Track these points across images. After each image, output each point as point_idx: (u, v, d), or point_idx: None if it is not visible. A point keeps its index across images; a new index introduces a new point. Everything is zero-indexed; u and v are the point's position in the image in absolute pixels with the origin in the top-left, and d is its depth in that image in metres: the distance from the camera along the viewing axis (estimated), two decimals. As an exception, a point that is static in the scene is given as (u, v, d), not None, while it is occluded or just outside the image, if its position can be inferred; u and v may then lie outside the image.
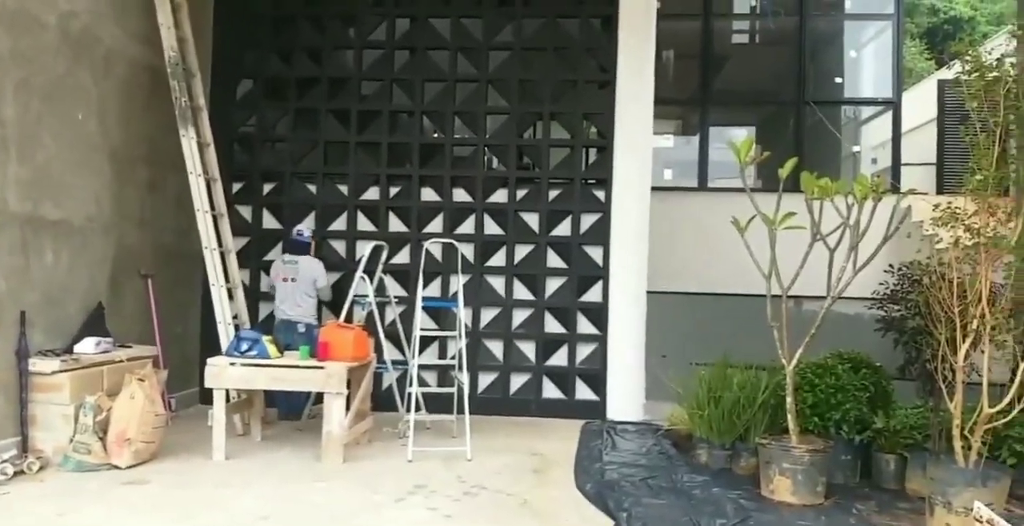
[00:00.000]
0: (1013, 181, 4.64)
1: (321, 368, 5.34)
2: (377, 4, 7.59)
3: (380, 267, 6.79)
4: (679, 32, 10.44)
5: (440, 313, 7.35)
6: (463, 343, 5.93)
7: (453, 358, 6.79)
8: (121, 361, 5.55)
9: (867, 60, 11.12)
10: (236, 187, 7.60)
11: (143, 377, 5.27)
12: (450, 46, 7.53)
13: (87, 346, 5.42)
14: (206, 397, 6.25)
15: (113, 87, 6.09)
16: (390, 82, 7.58)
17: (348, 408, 5.50)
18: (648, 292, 7.37)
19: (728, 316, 7.62)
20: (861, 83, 11.48)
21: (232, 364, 5.44)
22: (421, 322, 7.22)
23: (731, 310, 7.62)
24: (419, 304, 6.13)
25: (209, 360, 5.50)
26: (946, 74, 10.17)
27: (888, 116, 10.19)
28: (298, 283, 6.75)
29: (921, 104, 12.29)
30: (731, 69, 10.95)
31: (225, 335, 6.17)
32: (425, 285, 7.32)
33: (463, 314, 6.20)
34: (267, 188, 7.62)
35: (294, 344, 6.11)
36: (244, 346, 5.47)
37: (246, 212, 7.59)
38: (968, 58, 4.87)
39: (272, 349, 5.49)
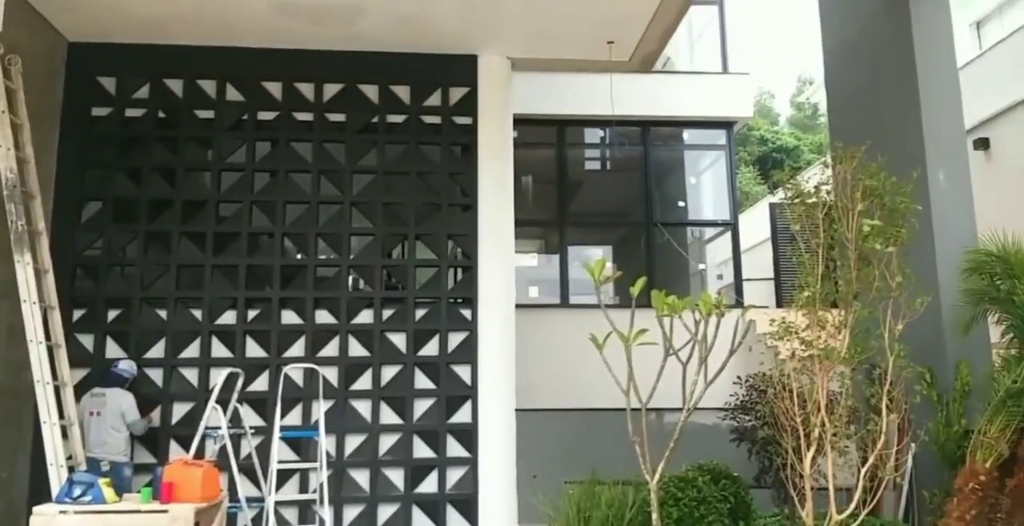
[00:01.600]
0: (839, 296, 5.08)
1: (165, 511, 4.87)
2: (235, 128, 7.60)
3: (235, 396, 6.42)
4: (538, 159, 11.09)
5: (301, 443, 6.98)
6: (324, 475, 5.62)
7: (315, 492, 6.41)
8: (-77, 517, 4.85)
9: (706, 185, 12.18)
10: (77, 314, 7.11)
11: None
12: (312, 169, 7.60)
13: None
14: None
15: (-61, 211, 5.67)
16: (249, 204, 7.50)
17: (195, 555, 5.00)
18: (517, 410, 7.36)
19: (597, 431, 7.68)
20: (702, 206, 12.50)
21: (63, 512, 4.87)
22: (281, 454, 6.87)
23: (599, 424, 7.70)
24: (276, 434, 5.82)
25: (35, 508, 4.90)
26: (775, 198, 11.27)
27: (728, 236, 11.06)
28: (104, 416, 6.40)
29: (757, 225, 13.48)
30: (586, 193, 11.66)
31: (57, 479, 5.56)
32: (285, 413, 7.01)
33: (324, 443, 5.92)
34: (112, 315, 7.16)
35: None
36: (76, 491, 4.94)
37: (87, 341, 7.07)
38: (789, 186, 5.46)
39: (109, 493, 4.97)
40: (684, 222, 12.02)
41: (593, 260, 14.25)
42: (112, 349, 7.10)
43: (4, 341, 6.22)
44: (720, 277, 13.09)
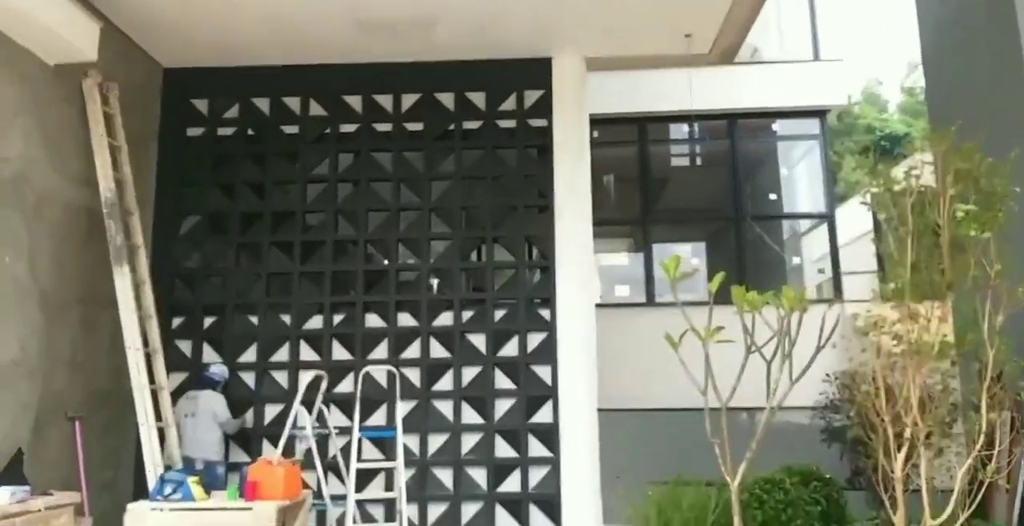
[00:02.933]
0: (927, 286, 4.72)
1: (249, 509, 5.07)
2: (319, 141, 7.86)
3: (319, 397, 6.62)
4: (620, 158, 10.94)
5: (387, 443, 7.12)
6: (402, 474, 5.70)
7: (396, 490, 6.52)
8: (38, 511, 5.21)
9: (800, 177, 11.66)
10: (176, 322, 7.52)
11: (60, 528, 4.95)
12: (392, 177, 7.76)
13: (1, 496, 5.11)
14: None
15: (46, 230, 6.10)
16: (334, 213, 7.73)
17: (281, 552, 5.18)
18: (600, 410, 7.25)
19: (682, 430, 7.44)
20: (797, 199, 11.98)
21: (155, 509, 5.15)
22: (368, 454, 7.04)
23: (685, 424, 7.47)
24: (355, 434, 5.95)
25: (129, 506, 5.21)
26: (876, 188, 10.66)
27: (825, 229, 10.56)
28: (197, 418, 6.66)
29: (861, 215, 12.79)
30: (673, 189, 11.40)
31: (154, 478, 5.88)
32: (370, 414, 7.19)
33: (402, 442, 6.03)
34: (208, 322, 7.54)
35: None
36: (167, 489, 5.21)
37: (185, 347, 7.46)
38: (876, 173, 5.13)
39: (198, 491, 5.22)
40: (777, 215, 11.55)
41: (670, 258, 13.96)
42: (208, 354, 7.46)
43: (107, 349, 6.65)
44: (821, 271, 12.50)
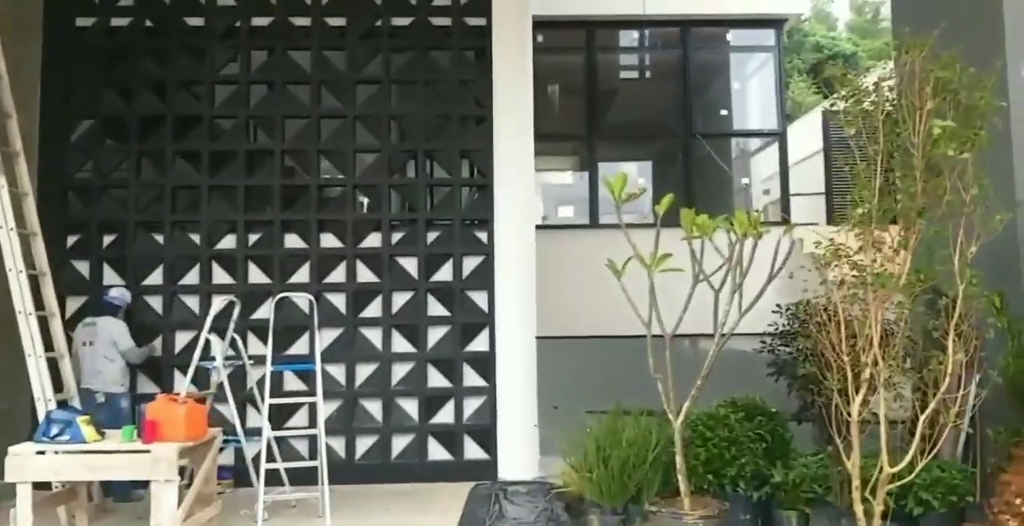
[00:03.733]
0: (899, 212, 4.33)
1: (147, 452, 4.54)
2: (227, 36, 6.94)
3: (232, 325, 6.04)
4: (565, 66, 10.21)
5: (311, 375, 6.61)
6: (322, 409, 5.25)
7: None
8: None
9: (752, 93, 11.15)
10: (71, 241, 6.74)
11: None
12: (312, 79, 6.95)
13: None
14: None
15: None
16: (246, 119, 6.93)
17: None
18: (538, 338, 6.86)
19: (623, 359, 7.15)
20: (748, 115, 11.50)
21: (40, 453, 4.58)
22: (290, 385, 6.57)
23: (628, 352, 7.15)
24: (268, 368, 5.44)
25: (11, 449, 4.62)
26: (829, 106, 10.26)
27: (775, 148, 10.15)
28: (96, 346, 6.04)
29: (808, 136, 12.43)
30: (621, 103, 10.77)
31: (44, 415, 5.27)
32: (292, 343, 6.67)
33: (322, 375, 5.55)
34: (108, 240, 6.78)
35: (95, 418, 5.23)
36: (54, 430, 4.63)
37: (83, 268, 6.72)
38: (845, 83, 4.63)
39: (89, 431, 4.65)
40: (727, 133, 11.05)
41: (614, 176, 13.50)
42: (109, 276, 6.75)
43: None
44: (767, 192, 12.20)
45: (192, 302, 6.74)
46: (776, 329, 5.07)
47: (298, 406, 6.50)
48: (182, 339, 6.65)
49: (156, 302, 6.74)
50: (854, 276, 4.19)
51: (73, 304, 6.67)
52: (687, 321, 4.82)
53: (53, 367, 5.73)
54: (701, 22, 9.64)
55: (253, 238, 6.83)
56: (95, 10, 6.91)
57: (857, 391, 3.87)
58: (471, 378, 6.79)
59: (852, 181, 4.43)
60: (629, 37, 10.31)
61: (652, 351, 4.69)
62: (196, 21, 6.97)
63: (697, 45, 9.93)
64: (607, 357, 7.31)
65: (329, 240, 6.86)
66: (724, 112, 10.84)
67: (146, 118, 6.86)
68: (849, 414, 3.90)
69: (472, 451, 6.75)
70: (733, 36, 10.04)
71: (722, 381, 5.08)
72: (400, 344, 6.80)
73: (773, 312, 5.13)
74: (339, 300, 6.78)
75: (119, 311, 6.26)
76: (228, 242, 6.81)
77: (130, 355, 6.12)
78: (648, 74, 11.56)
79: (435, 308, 6.85)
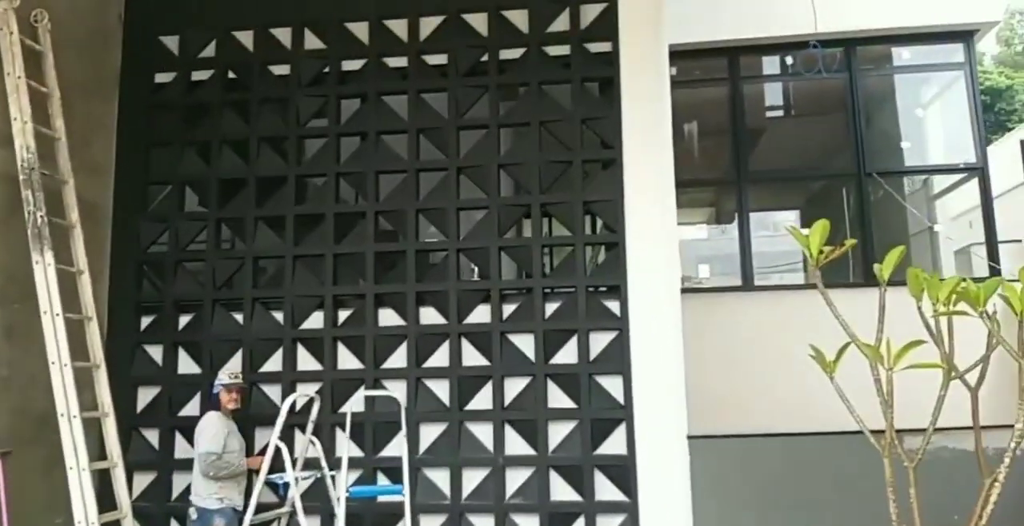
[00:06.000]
0: None
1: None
2: (315, 84, 6.08)
3: (311, 426, 4.93)
4: (703, 101, 8.86)
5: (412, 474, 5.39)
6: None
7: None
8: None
9: (933, 120, 9.32)
10: (145, 322, 5.94)
11: None
12: (409, 127, 5.94)
13: None
14: None
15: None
16: (335, 177, 5.98)
17: None
18: (690, 437, 5.36)
19: (812, 463, 5.52)
20: (929, 148, 9.65)
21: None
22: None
23: (814, 454, 5.56)
24: (340, 501, 4.26)
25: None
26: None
27: (971, 185, 8.28)
28: (197, 449, 5.00)
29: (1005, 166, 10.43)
30: (769, 142, 9.25)
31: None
32: (384, 442, 5.50)
33: (409, 504, 4.32)
34: (184, 321, 5.93)
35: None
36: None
37: (156, 353, 5.88)
38: None
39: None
40: (909, 170, 9.18)
41: (782, 226, 11.80)
42: (185, 362, 5.87)
43: (45, 361, 4.97)
44: (950, 239, 10.19)
45: (274, 392, 5.72)
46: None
47: (391, 520, 5.27)
48: (261, 438, 5.60)
49: (234, 392, 5.77)
50: None
51: (146, 395, 5.83)
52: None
53: (104, 479, 4.82)
54: (870, 39, 8.05)
55: (343, 315, 5.79)
56: (175, 64, 6.25)
57: None
58: (605, 490, 5.34)
59: None
60: (776, 63, 8.84)
61: (889, 458, 3.18)
62: (281, 69, 6.18)
63: (866, 67, 8.31)
64: (782, 462, 5.68)
65: (429, 315, 5.71)
66: (907, 144, 9.04)
67: (226, 181, 6.06)
68: None
69: (609, 585, 5.27)
70: (910, 53, 8.37)
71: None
72: (515, 443, 5.48)
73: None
74: (441, 388, 5.58)
75: (218, 401, 5.19)
76: (315, 320, 5.79)
77: (202, 462, 4.97)
78: (802, 104, 10.00)
79: (557, 398, 5.50)
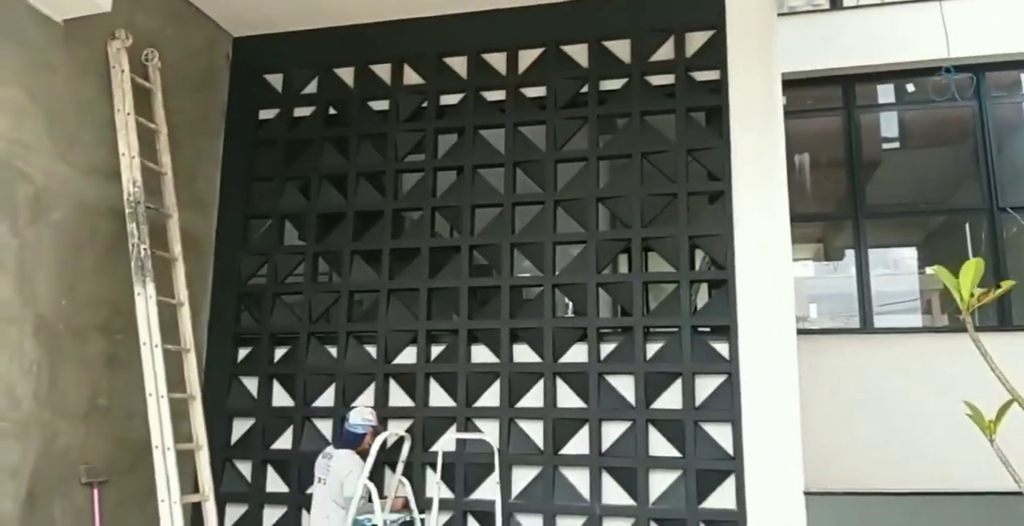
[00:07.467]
0: None
1: None
2: (413, 119, 6.06)
3: (400, 467, 4.76)
4: (814, 132, 8.41)
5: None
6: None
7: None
8: None
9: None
10: (242, 354, 5.97)
11: None
12: (506, 161, 5.81)
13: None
14: None
15: (47, 237, 4.64)
16: (431, 211, 5.90)
17: None
18: (807, 493, 4.88)
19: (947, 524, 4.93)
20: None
21: None
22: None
23: (951, 514, 4.97)
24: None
25: None
26: None
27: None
28: (328, 486, 4.86)
29: None
30: (884, 173, 8.67)
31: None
32: (475, 484, 5.27)
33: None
34: (279, 354, 5.92)
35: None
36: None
37: (252, 385, 5.88)
38: None
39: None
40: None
41: (899, 263, 11.02)
42: (279, 395, 5.84)
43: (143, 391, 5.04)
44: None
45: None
46: None
47: (484, 572, 5.01)
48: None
49: (326, 427, 5.68)
50: None
51: (240, 427, 5.82)
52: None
53: (197, 511, 4.78)
54: (1001, 65, 7.46)
55: (435, 351, 5.64)
56: (278, 101, 6.37)
57: None
58: (712, 548, 4.93)
59: None
60: (892, 92, 8.31)
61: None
62: (380, 105, 6.20)
63: (998, 94, 7.70)
64: (912, 522, 5.10)
65: (523, 353, 5.49)
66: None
67: (324, 215, 6.07)
68: None
69: None
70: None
71: None
72: (613, 492, 5.14)
73: None
74: (535, 430, 5.32)
75: (360, 441, 5.02)
76: (407, 355, 5.67)
77: (343, 504, 4.74)
78: (919, 135, 9.38)
79: (659, 445, 5.15)
